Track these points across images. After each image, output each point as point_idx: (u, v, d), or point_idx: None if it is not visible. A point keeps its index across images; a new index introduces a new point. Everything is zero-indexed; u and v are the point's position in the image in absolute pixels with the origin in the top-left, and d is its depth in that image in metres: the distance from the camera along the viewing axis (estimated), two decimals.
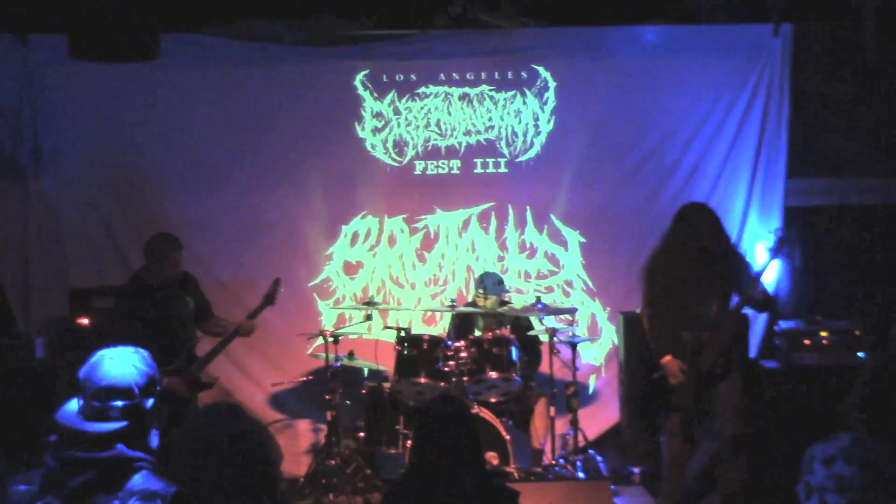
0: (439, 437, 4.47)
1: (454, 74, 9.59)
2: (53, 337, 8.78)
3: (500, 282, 8.85)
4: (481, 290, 8.74)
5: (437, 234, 9.64)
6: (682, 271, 7.61)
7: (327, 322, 9.47)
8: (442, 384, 8.09)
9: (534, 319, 8.85)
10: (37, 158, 9.24)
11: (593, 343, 9.47)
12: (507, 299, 9.03)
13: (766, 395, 8.54)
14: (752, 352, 9.16)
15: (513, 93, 9.60)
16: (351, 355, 8.65)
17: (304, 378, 9.11)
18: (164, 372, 7.94)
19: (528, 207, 9.62)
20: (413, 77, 9.59)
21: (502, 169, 9.62)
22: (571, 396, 8.54)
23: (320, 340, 8.70)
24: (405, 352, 8.24)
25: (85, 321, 8.65)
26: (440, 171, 9.62)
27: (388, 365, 8.61)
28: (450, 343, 8.24)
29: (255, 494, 3.65)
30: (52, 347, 8.70)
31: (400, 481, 4.89)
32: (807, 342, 8.79)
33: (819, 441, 3.40)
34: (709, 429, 7.56)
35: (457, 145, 9.60)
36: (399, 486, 4.74)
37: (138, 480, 3.47)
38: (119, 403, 3.63)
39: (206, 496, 3.56)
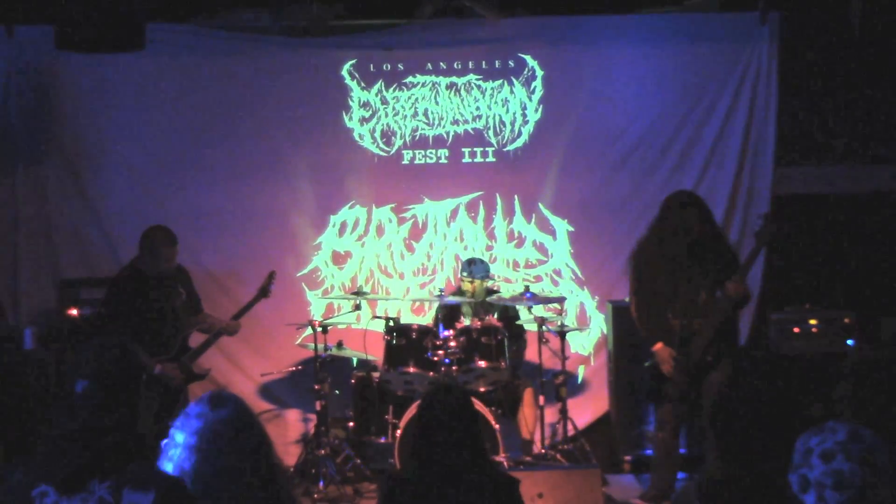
0: (442, 426, 4.48)
1: (441, 64, 9.58)
2: (43, 328, 8.78)
3: (487, 271, 8.85)
4: (466, 275, 8.76)
5: (426, 224, 9.64)
6: (669, 259, 7.61)
7: (316, 312, 9.47)
8: (431, 373, 8.10)
9: (522, 309, 8.86)
10: (24, 149, 9.21)
11: (582, 332, 9.47)
12: (495, 288, 9.04)
13: (754, 384, 8.56)
14: (741, 340, 9.17)
15: (500, 82, 9.59)
16: (340, 345, 8.66)
17: (293, 368, 9.10)
18: (158, 360, 7.96)
19: (516, 196, 9.61)
20: (400, 67, 9.58)
21: (490, 158, 9.62)
22: (560, 386, 8.55)
23: (309, 330, 8.69)
24: (394, 341, 8.25)
25: (74, 312, 8.64)
26: (428, 160, 9.61)
27: (376, 355, 8.61)
28: (441, 331, 8.25)
29: (261, 480, 3.67)
30: (42, 338, 8.70)
31: (402, 470, 4.89)
32: (796, 330, 8.82)
33: (812, 431, 3.38)
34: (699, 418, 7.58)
35: (444, 135, 9.60)
36: (401, 475, 4.75)
37: (133, 468, 3.48)
38: (113, 393, 3.64)
39: (211, 482, 3.58)
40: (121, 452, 3.50)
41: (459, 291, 8.94)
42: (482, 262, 8.92)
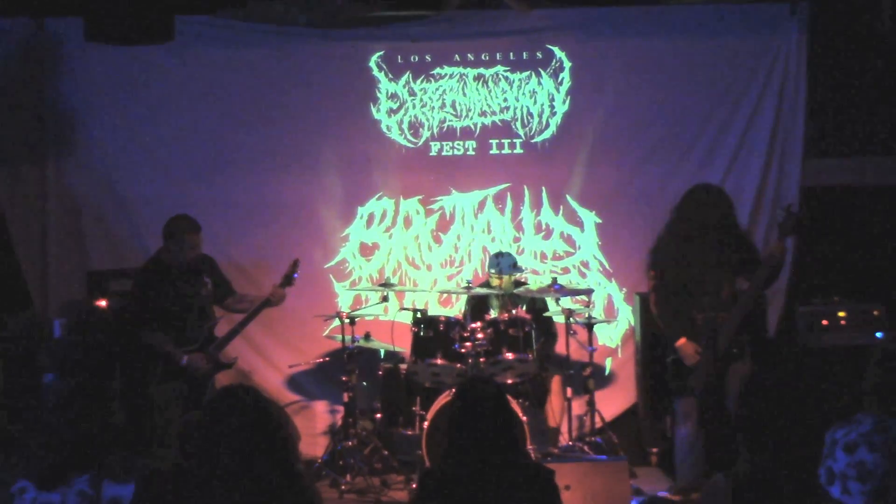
0: (479, 418, 4.49)
1: (469, 55, 9.56)
2: (72, 318, 8.83)
3: (515, 264, 8.83)
4: (494, 271, 8.74)
5: (453, 216, 9.63)
6: (691, 254, 7.61)
7: (344, 304, 9.49)
8: (458, 365, 8.12)
9: (550, 301, 8.85)
10: (53, 142, 9.26)
11: (610, 324, 9.45)
12: (523, 280, 9.03)
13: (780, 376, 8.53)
14: (770, 333, 9.14)
15: (528, 73, 9.57)
16: (367, 337, 8.67)
17: (321, 360, 9.11)
18: (184, 351, 8.00)
19: (543, 188, 9.59)
20: (428, 58, 9.57)
21: (518, 150, 9.60)
22: (588, 378, 8.54)
23: (337, 322, 8.72)
24: (421, 333, 8.27)
25: (103, 303, 8.69)
26: (455, 152, 9.60)
27: (404, 346, 8.63)
28: (468, 323, 8.26)
29: (273, 470, 3.69)
30: (71, 329, 8.74)
31: (437, 464, 4.90)
32: (825, 322, 8.78)
33: (839, 423, 3.38)
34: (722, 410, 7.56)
35: (472, 126, 9.59)
36: (437, 469, 4.76)
37: (112, 460, 3.51)
38: (83, 384, 3.68)
39: (224, 474, 3.60)
40: (98, 444, 3.52)
41: (487, 284, 8.93)
42: (509, 255, 8.89)
